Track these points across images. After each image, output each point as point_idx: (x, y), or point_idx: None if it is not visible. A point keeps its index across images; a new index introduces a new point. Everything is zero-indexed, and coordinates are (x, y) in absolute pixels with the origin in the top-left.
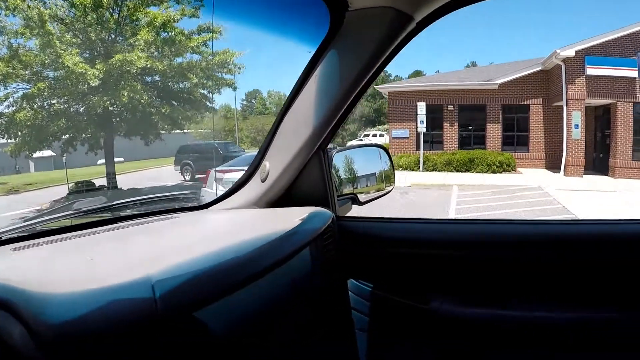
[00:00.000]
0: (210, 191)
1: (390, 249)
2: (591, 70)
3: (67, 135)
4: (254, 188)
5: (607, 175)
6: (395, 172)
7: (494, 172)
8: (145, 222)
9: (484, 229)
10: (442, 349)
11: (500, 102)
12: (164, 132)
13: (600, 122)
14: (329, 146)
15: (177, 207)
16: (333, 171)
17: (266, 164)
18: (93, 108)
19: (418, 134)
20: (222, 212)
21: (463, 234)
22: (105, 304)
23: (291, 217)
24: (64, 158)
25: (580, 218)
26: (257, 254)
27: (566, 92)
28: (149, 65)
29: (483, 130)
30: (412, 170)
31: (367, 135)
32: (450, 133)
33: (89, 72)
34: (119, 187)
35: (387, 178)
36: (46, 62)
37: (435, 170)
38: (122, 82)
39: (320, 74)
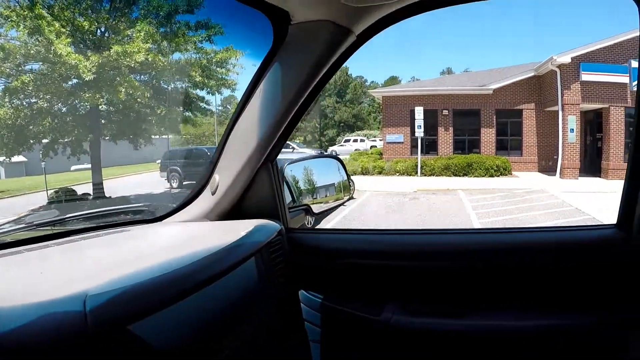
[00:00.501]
0: None
1: (342, 260)
2: (586, 76)
3: (50, 138)
4: (205, 201)
5: (600, 177)
6: (394, 177)
7: (491, 175)
8: (97, 235)
9: (435, 239)
10: None
11: (494, 107)
12: (156, 136)
13: (590, 126)
14: (289, 157)
15: (130, 220)
16: (293, 182)
17: (216, 177)
18: (84, 106)
19: (412, 139)
20: (173, 225)
21: (414, 245)
22: (35, 319)
23: (237, 230)
24: (43, 163)
25: (537, 226)
26: (197, 267)
27: (562, 97)
28: (149, 59)
29: (477, 135)
30: (410, 175)
31: (348, 141)
32: (445, 138)
33: (82, 64)
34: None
35: (344, 188)
36: (32, 52)
37: (433, 175)
38: (118, 78)
39: (265, 87)
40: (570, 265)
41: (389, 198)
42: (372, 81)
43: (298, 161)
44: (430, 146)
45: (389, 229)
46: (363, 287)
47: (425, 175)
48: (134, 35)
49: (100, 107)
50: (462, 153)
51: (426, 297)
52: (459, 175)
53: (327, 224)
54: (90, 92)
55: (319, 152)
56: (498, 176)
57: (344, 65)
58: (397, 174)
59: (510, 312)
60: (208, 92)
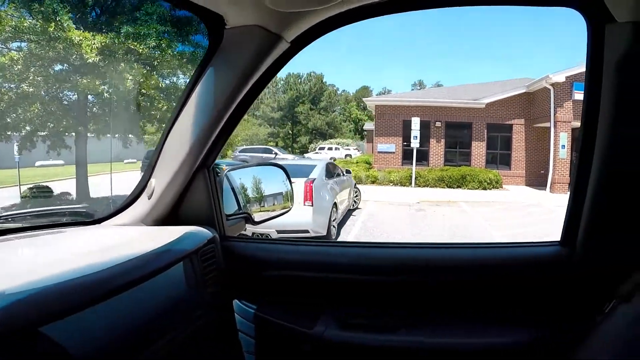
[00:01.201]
0: None
1: (279, 271)
2: (578, 95)
3: (32, 128)
4: (142, 205)
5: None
6: (388, 187)
7: (484, 188)
8: (33, 235)
9: (376, 252)
10: None
11: (485, 121)
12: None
13: (577, 143)
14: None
15: (68, 221)
16: (240, 190)
17: (152, 180)
18: (82, 93)
19: (404, 149)
20: (108, 229)
21: (352, 257)
22: None
23: (167, 236)
24: (17, 156)
25: (482, 242)
26: (115, 272)
27: (554, 114)
28: (163, 45)
29: (468, 148)
30: (404, 185)
31: (322, 149)
32: (437, 149)
33: (86, 43)
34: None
35: (290, 198)
36: (25, 24)
37: (427, 186)
38: (122, 64)
39: (200, 91)
40: (515, 281)
41: (395, 209)
42: (344, 90)
43: (239, 168)
44: (421, 157)
45: (328, 241)
46: (299, 299)
47: (419, 186)
48: (142, 17)
49: (103, 94)
50: (452, 165)
51: (362, 311)
52: (453, 187)
53: (347, 236)
54: (89, 78)
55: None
56: (490, 189)
57: (319, 72)
58: (391, 184)
59: (447, 328)
60: None
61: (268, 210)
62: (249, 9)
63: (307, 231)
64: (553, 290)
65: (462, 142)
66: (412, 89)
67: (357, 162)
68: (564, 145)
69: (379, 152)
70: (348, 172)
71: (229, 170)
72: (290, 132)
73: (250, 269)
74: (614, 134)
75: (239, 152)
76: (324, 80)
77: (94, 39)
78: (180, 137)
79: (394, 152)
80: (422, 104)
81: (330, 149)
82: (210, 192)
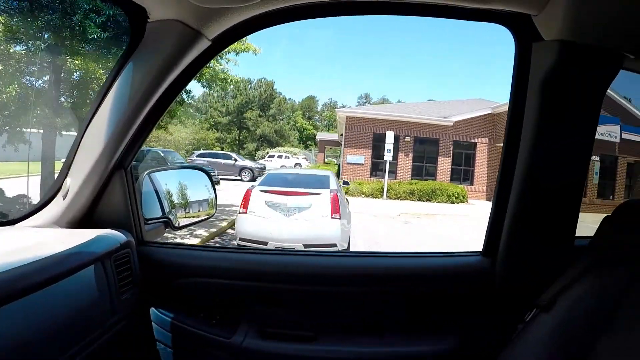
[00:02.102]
0: None
1: (199, 278)
2: None
3: None
4: (57, 206)
5: None
6: (359, 198)
7: (452, 202)
8: None
9: (300, 260)
10: None
11: (452, 138)
12: None
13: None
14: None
15: None
16: (165, 194)
17: (68, 180)
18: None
19: (373, 162)
20: (19, 231)
21: (276, 265)
22: None
23: (78, 239)
24: None
25: (406, 251)
26: (13, 275)
27: None
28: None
29: (434, 163)
30: (376, 197)
31: (272, 156)
32: (405, 163)
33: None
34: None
35: (211, 204)
36: None
37: (398, 199)
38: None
39: (118, 87)
40: (440, 290)
41: (383, 222)
42: (290, 98)
43: (162, 170)
44: (389, 170)
45: (249, 248)
46: (218, 307)
47: (390, 198)
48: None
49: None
50: (419, 179)
51: (282, 320)
52: (423, 200)
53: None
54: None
55: (262, 166)
56: (458, 203)
57: (270, 79)
58: (363, 195)
59: (371, 338)
60: (206, 87)
61: (193, 217)
62: (171, 3)
63: (334, 245)
64: (477, 299)
65: (429, 157)
66: (358, 102)
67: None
68: None
69: (348, 163)
70: (346, 183)
71: (149, 172)
72: (237, 138)
73: (169, 275)
74: (535, 150)
75: (197, 156)
76: (274, 87)
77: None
78: (96, 134)
79: (362, 164)
80: (393, 119)
81: (280, 157)
82: (127, 195)
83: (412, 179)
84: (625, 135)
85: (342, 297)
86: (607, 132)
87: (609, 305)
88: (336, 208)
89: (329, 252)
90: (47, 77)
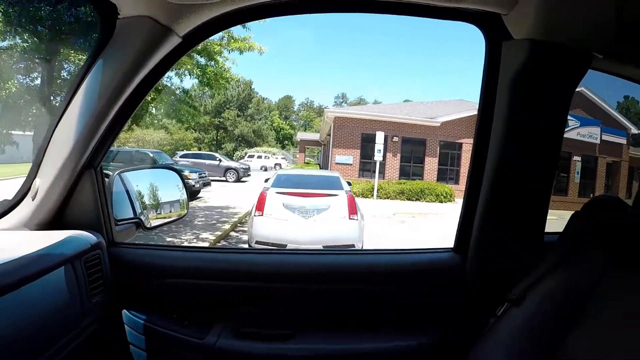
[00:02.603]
0: None
1: (171, 278)
2: None
3: None
4: (26, 207)
5: None
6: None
7: (440, 201)
8: None
9: (271, 259)
10: None
11: (439, 139)
12: None
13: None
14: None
15: None
16: (136, 194)
17: (37, 181)
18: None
19: (361, 162)
20: None
21: (248, 264)
22: None
23: (47, 241)
24: None
25: (378, 249)
26: None
27: None
28: None
29: (422, 163)
30: (366, 197)
31: (252, 156)
32: (393, 163)
33: None
34: None
35: (182, 204)
36: None
37: (388, 198)
38: None
39: (88, 85)
40: (413, 286)
41: (381, 221)
42: (266, 98)
43: (133, 170)
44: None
45: (222, 248)
46: (192, 308)
47: (380, 198)
48: None
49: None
50: (407, 178)
51: (256, 320)
52: (412, 200)
53: None
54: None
55: (247, 166)
56: (446, 202)
57: (247, 78)
58: (354, 195)
59: (345, 335)
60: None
61: (165, 217)
62: None
63: (353, 245)
64: (450, 295)
65: (417, 157)
66: (335, 102)
67: None
68: None
69: (336, 163)
70: (349, 183)
71: (120, 172)
72: (215, 138)
73: (141, 276)
74: (505, 147)
75: (180, 157)
76: (252, 87)
77: None
78: (65, 133)
79: (351, 164)
80: (381, 119)
81: (259, 157)
82: (98, 195)
83: (400, 179)
84: (605, 137)
85: (317, 295)
86: (588, 133)
87: (579, 298)
88: (353, 209)
89: (303, 251)
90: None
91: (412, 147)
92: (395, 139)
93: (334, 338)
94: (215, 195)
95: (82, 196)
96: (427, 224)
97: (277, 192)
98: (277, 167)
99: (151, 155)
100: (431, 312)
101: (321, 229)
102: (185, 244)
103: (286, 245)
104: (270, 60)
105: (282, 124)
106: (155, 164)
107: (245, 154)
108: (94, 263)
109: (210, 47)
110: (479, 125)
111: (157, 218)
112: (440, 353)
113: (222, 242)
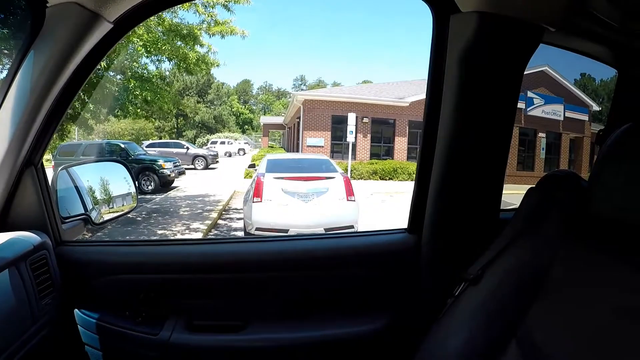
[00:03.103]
0: None
1: (122, 275)
2: None
3: None
4: None
5: None
6: None
7: (412, 180)
8: None
9: (223, 248)
10: None
11: (408, 118)
12: None
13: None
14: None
15: None
16: (87, 190)
17: None
18: None
19: (332, 144)
20: None
21: (201, 255)
22: None
23: None
24: None
25: (331, 233)
26: None
27: None
28: None
29: (392, 143)
30: None
31: (215, 142)
32: (363, 144)
33: None
34: None
35: (134, 197)
36: None
37: (362, 179)
38: None
39: (20, 79)
40: (366, 270)
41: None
42: (224, 82)
43: (78, 164)
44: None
45: (174, 240)
46: (145, 303)
47: (354, 178)
48: None
49: None
50: (377, 159)
51: (211, 312)
52: (386, 179)
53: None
54: None
55: (214, 153)
56: None
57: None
58: None
59: (297, 322)
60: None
61: (117, 211)
62: None
63: (352, 226)
64: (406, 276)
65: (386, 138)
66: (294, 85)
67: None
68: None
69: (308, 146)
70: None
71: (66, 167)
72: (176, 126)
73: (91, 274)
74: (455, 124)
75: (147, 146)
76: (211, 72)
77: None
78: (1, 131)
79: (322, 146)
80: (350, 100)
81: (222, 142)
82: (41, 193)
83: (371, 159)
84: (568, 114)
85: (271, 283)
86: (552, 111)
87: (537, 273)
88: (350, 190)
89: (254, 238)
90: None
91: (381, 128)
92: (366, 120)
93: (287, 326)
94: (190, 184)
95: (24, 195)
96: (407, 202)
97: (275, 178)
98: (241, 153)
99: (123, 146)
100: (388, 295)
101: (322, 212)
102: (179, 236)
103: (288, 230)
104: (226, 44)
105: (241, 108)
106: (128, 156)
107: (208, 140)
108: (40, 264)
109: (194, 32)
110: (428, 102)
111: (109, 212)
112: (397, 336)
113: (214, 231)
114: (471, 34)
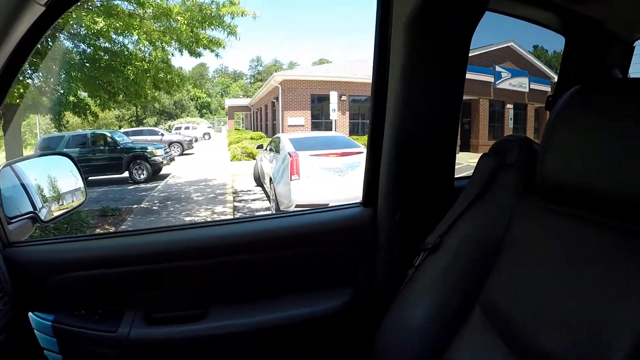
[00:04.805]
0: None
1: (76, 272)
2: (467, 75)
3: None
4: None
5: (470, 151)
6: None
7: None
8: None
9: (176, 236)
10: None
11: None
12: None
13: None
14: None
15: None
16: (35, 187)
17: None
18: None
19: (312, 122)
20: None
21: (153, 246)
22: None
23: None
24: None
25: (287, 211)
26: None
27: None
28: None
29: (368, 119)
30: None
31: (179, 128)
32: (342, 121)
33: None
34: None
35: (81, 190)
36: None
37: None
38: None
39: None
40: (324, 246)
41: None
42: (180, 67)
43: (22, 160)
44: (328, 128)
45: (122, 231)
46: (100, 300)
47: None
48: None
49: None
50: (357, 135)
51: (170, 302)
52: None
53: None
54: None
55: (190, 138)
56: None
57: None
58: None
59: (259, 306)
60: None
61: (67, 207)
62: None
63: None
64: (365, 250)
65: (363, 114)
66: (250, 66)
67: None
68: None
69: (289, 126)
70: None
71: (9, 164)
72: (136, 114)
73: (43, 275)
74: (403, 94)
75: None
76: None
77: None
78: None
79: (303, 125)
80: (329, 80)
81: (187, 128)
82: None
83: (350, 135)
84: (532, 86)
85: (229, 268)
86: (518, 83)
87: (493, 237)
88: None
89: (206, 223)
90: None
91: (359, 105)
92: (344, 97)
93: (249, 311)
94: (178, 170)
95: None
96: None
97: (311, 155)
98: (207, 137)
99: (109, 135)
100: (348, 270)
101: (357, 185)
102: (209, 219)
103: (328, 204)
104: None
105: (198, 92)
106: (117, 145)
107: (170, 127)
108: None
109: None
110: (375, 74)
111: (59, 209)
112: (361, 310)
113: (238, 214)
114: (415, 2)
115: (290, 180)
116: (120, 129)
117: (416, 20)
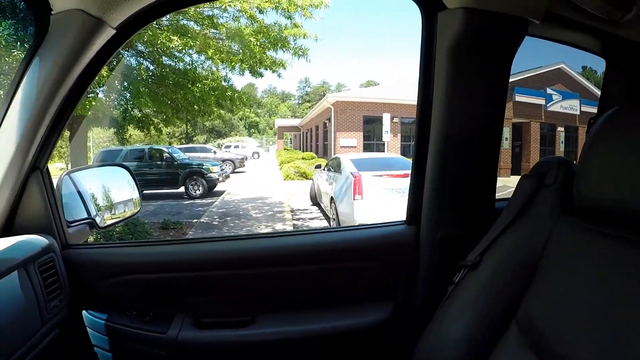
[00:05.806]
0: None
1: (128, 275)
2: (518, 98)
3: None
4: None
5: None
6: None
7: None
8: None
9: (222, 246)
10: None
11: None
12: None
13: (510, 135)
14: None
15: None
16: (89, 195)
17: None
18: None
19: (365, 144)
20: None
21: (200, 254)
22: None
23: None
24: None
25: (333, 227)
26: None
27: None
28: None
29: None
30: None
31: (229, 147)
32: (393, 143)
33: None
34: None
35: (135, 202)
36: None
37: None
38: None
39: (26, 84)
40: (368, 262)
41: None
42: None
43: (82, 169)
44: (379, 150)
45: (175, 239)
46: (152, 303)
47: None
48: None
49: None
50: (409, 156)
51: (218, 308)
52: None
53: None
54: None
55: (242, 156)
56: None
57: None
58: None
59: (304, 316)
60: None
61: (119, 216)
62: None
63: None
64: (407, 267)
65: (414, 137)
66: (299, 87)
67: (305, 158)
68: (507, 138)
69: (341, 147)
70: None
71: (69, 173)
72: (186, 131)
73: (98, 276)
74: (447, 118)
75: None
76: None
77: None
78: (7, 136)
79: (355, 147)
80: (380, 102)
81: (236, 147)
82: (46, 197)
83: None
84: (584, 108)
85: (277, 278)
86: (570, 106)
87: (532, 255)
88: None
89: (256, 235)
90: None
91: (410, 127)
92: (395, 119)
93: (293, 320)
94: (233, 187)
95: (30, 200)
96: None
97: (374, 175)
98: (255, 156)
99: (167, 151)
100: (390, 286)
101: None
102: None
103: None
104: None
105: (247, 112)
106: (174, 160)
107: (220, 145)
108: (48, 267)
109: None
110: (420, 97)
111: (112, 218)
112: (401, 325)
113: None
114: (458, 30)
115: (354, 199)
116: (170, 145)
117: (458, 47)
